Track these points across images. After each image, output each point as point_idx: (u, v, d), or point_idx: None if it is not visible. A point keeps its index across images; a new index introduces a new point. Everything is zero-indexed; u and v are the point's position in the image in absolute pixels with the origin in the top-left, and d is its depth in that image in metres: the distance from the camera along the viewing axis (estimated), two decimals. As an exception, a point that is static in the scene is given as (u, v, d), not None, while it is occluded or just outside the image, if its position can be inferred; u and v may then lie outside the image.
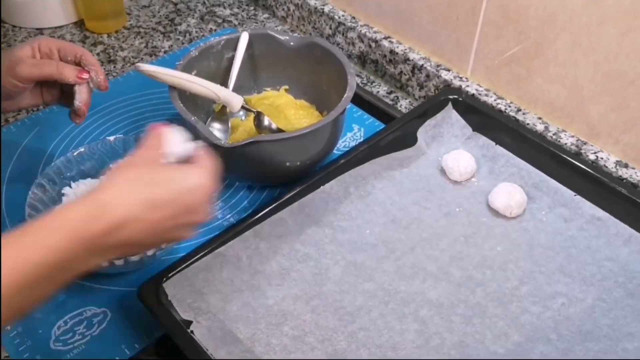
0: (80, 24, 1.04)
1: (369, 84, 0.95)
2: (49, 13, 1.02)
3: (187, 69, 0.75)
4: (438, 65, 0.88)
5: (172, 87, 0.71)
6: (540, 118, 0.80)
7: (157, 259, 0.67)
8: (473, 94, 0.84)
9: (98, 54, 0.99)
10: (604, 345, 0.60)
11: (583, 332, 0.61)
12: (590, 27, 0.70)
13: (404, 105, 0.91)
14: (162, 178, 0.50)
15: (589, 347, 0.59)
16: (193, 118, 0.68)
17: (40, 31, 1.03)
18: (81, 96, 0.69)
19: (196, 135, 0.68)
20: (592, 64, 0.72)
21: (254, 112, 0.76)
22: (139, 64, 0.70)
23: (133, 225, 0.47)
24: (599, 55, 0.70)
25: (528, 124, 0.79)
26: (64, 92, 0.72)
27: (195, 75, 0.76)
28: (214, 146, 0.66)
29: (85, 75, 0.68)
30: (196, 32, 1.04)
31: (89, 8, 1.01)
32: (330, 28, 0.98)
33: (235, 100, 0.73)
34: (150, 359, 0.62)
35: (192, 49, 0.77)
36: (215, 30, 1.05)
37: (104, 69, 0.96)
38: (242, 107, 0.74)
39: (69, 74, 0.68)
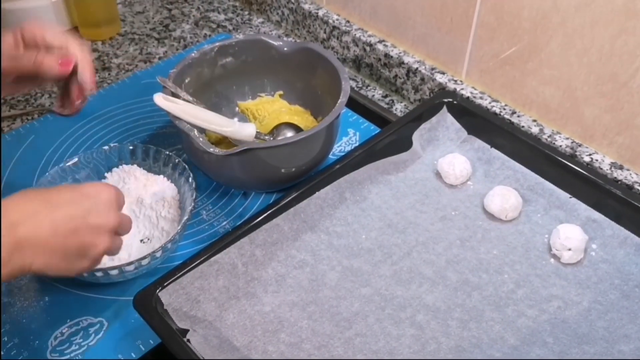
0: (74, 31, 1.04)
1: (364, 87, 0.95)
2: (42, 21, 1.02)
3: (180, 76, 0.75)
4: (432, 69, 0.88)
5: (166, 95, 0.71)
6: (535, 120, 0.80)
7: (153, 268, 0.67)
8: (468, 97, 0.84)
9: (92, 62, 0.98)
10: (600, 347, 0.60)
11: (579, 334, 0.61)
12: (583, 29, 0.70)
13: (399, 108, 0.91)
14: (63, 186, 0.53)
15: (585, 349, 0.59)
16: (187, 126, 0.68)
17: (34, 39, 1.03)
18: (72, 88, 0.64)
19: (189, 143, 0.68)
20: (586, 66, 0.72)
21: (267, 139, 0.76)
22: (155, 96, 0.68)
23: (30, 222, 0.47)
24: (592, 56, 0.71)
25: (523, 126, 0.79)
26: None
27: (189, 82, 0.77)
28: (207, 154, 0.66)
29: (68, 66, 0.61)
30: (191, 37, 1.04)
31: (83, 15, 1.01)
32: (325, 32, 0.98)
33: (246, 133, 0.72)
34: (148, 368, 0.62)
35: (186, 56, 0.77)
36: (210, 35, 1.05)
37: (99, 76, 0.96)
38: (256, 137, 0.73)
39: (48, 66, 0.60)
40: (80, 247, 0.52)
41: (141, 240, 0.69)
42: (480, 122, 0.78)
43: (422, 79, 0.88)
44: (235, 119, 0.82)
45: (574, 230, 0.67)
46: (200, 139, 0.66)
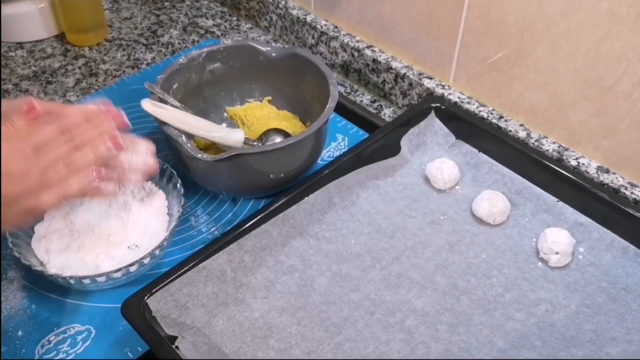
0: (61, 37, 1.04)
1: (353, 93, 0.95)
2: (29, 26, 1.02)
3: (168, 81, 0.75)
4: (420, 74, 0.88)
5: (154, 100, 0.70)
6: (522, 125, 0.80)
7: (141, 275, 0.67)
8: (455, 102, 0.84)
9: (79, 67, 0.98)
10: (588, 350, 0.60)
11: (567, 337, 0.61)
12: (569, 34, 0.70)
13: (388, 113, 0.92)
14: None
15: (573, 352, 0.60)
16: (175, 132, 0.67)
17: (20, 45, 1.02)
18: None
19: (177, 149, 0.68)
20: (572, 71, 0.72)
21: (256, 144, 0.76)
22: (143, 102, 0.68)
23: None
24: (577, 61, 0.71)
25: (510, 130, 0.80)
26: None
27: (177, 87, 0.77)
28: (196, 160, 0.66)
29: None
30: (179, 43, 1.04)
31: (70, 21, 1.01)
32: (313, 38, 0.99)
33: (235, 139, 0.72)
34: (136, 376, 0.62)
35: (174, 61, 0.77)
36: (198, 41, 1.05)
37: (86, 82, 0.96)
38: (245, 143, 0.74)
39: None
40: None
41: (129, 247, 0.68)
42: (468, 127, 0.79)
43: (410, 84, 0.88)
44: (224, 125, 0.82)
45: (561, 234, 0.67)
46: (189, 145, 0.66)
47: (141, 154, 0.62)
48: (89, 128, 0.58)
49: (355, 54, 0.93)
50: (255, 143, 0.76)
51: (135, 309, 0.58)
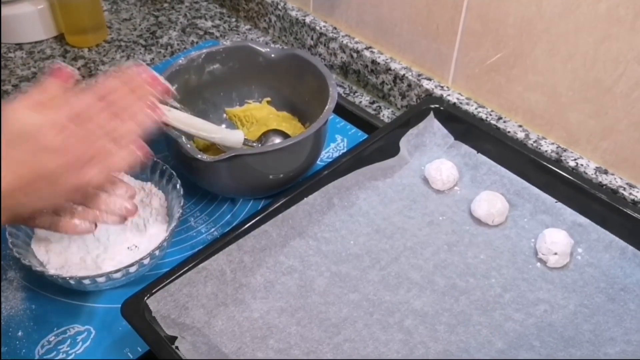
0: (60, 38, 1.04)
1: (352, 94, 0.96)
2: (28, 27, 1.02)
3: (168, 82, 0.75)
4: (419, 75, 0.88)
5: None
6: (520, 126, 0.81)
7: (141, 276, 0.67)
8: (454, 103, 0.84)
9: (79, 69, 0.98)
10: (586, 350, 0.60)
11: (565, 338, 0.61)
12: (567, 35, 0.71)
13: (387, 115, 0.92)
14: None
15: (571, 352, 0.60)
16: (174, 132, 0.68)
17: (19, 46, 1.02)
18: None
19: (177, 149, 0.68)
20: (570, 72, 0.72)
21: (255, 145, 0.76)
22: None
23: None
24: (576, 62, 0.71)
25: (509, 131, 0.80)
26: None
27: (176, 88, 0.77)
28: (195, 160, 0.66)
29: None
30: (178, 44, 1.04)
31: (69, 22, 1.01)
32: (312, 39, 0.99)
33: (234, 140, 0.72)
34: (135, 376, 0.62)
35: (173, 62, 0.77)
36: (197, 42, 1.05)
37: (85, 83, 0.95)
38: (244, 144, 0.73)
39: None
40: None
41: (128, 248, 0.68)
42: (466, 128, 0.79)
43: (409, 86, 0.89)
44: (223, 126, 0.82)
45: (560, 235, 0.67)
46: (188, 146, 0.66)
47: (119, 198, 0.60)
48: (126, 92, 0.54)
49: (354, 55, 0.94)
50: (254, 144, 0.76)
51: (135, 310, 0.59)
